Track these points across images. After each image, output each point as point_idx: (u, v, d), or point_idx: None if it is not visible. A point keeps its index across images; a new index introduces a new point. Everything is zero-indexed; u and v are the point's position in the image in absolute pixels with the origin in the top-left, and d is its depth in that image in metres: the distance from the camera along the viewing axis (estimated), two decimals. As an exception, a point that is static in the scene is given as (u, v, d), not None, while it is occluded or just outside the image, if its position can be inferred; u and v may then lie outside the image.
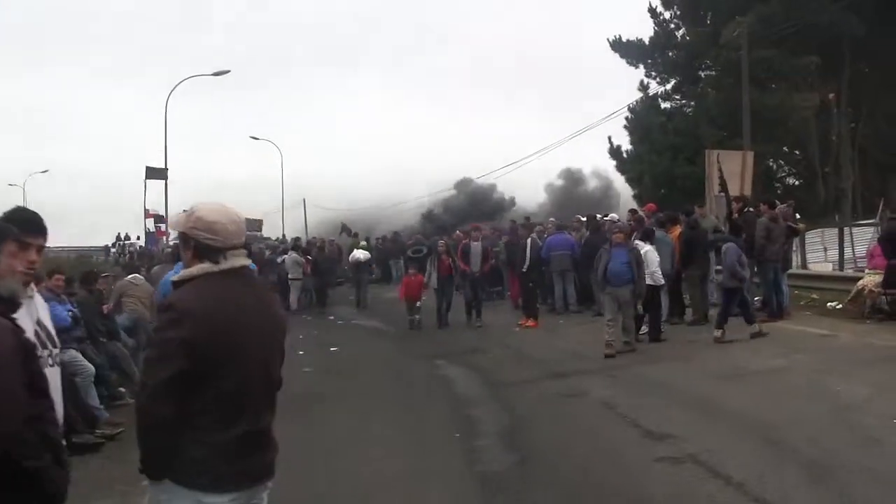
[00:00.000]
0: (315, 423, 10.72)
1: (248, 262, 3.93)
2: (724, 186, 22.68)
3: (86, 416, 10.15)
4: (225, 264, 3.76)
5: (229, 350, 3.65)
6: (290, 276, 25.98)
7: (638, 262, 13.87)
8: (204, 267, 3.75)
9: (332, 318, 24.91)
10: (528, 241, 19.39)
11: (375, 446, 9.24)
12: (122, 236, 56.16)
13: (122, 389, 13.04)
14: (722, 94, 35.12)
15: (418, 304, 20.24)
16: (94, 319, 12.41)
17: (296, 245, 29.36)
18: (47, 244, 4.33)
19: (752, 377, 11.39)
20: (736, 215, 17.56)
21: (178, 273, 4.03)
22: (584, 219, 22.38)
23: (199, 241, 3.78)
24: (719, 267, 18.59)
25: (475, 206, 50.54)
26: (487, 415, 10.39)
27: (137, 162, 44.07)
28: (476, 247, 20.06)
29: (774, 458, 7.60)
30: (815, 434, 8.18)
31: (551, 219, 24.82)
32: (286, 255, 27.12)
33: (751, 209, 17.49)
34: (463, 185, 54.98)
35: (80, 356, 11.01)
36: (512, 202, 52.87)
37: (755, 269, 16.48)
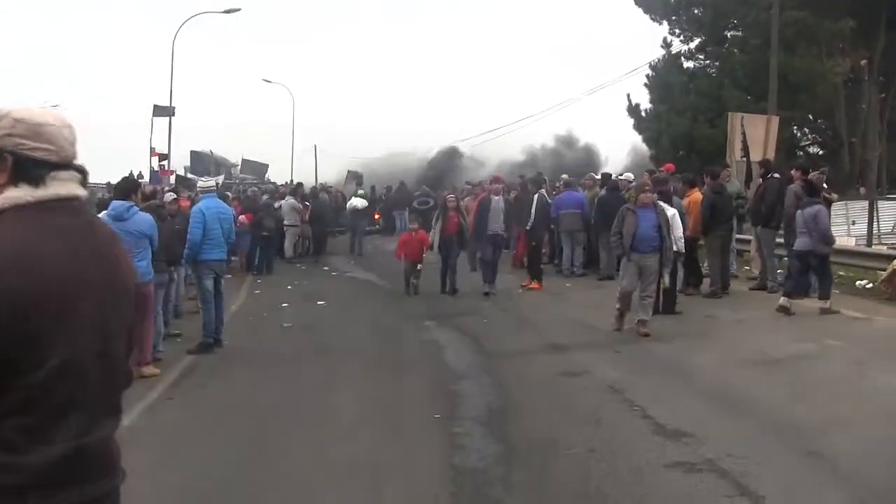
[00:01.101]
0: (274, 386, 9.60)
1: (82, 191, 2.55)
2: (746, 151, 21.55)
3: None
4: (48, 190, 2.40)
5: (51, 320, 2.28)
6: (286, 221, 24.62)
7: (667, 225, 12.23)
8: (16, 195, 2.39)
9: (326, 268, 23.65)
10: (536, 197, 17.98)
11: (337, 423, 8.01)
12: (137, 174, 54.90)
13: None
14: (748, 55, 33.65)
15: (419, 266, 17.61)
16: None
17: (295, 190, 27.92)
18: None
19: (781, 365, 10.02)
20: (759, 180, 16.21)
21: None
22: (599, 176, 20.98)
23: (20, 153, 2.41)
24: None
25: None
26: (474, 392, 9.05)
27: (147, 100, 42.83)
28: (497, 202, 17.33)
29: (812, 474, 6.29)
30: (862, 445, 6.81)
31: (563, 175, 23.40)
32: (283, 201, 25.74)
33: (775, 175, 16.05)
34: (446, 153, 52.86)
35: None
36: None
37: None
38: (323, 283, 20.24)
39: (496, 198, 17.32)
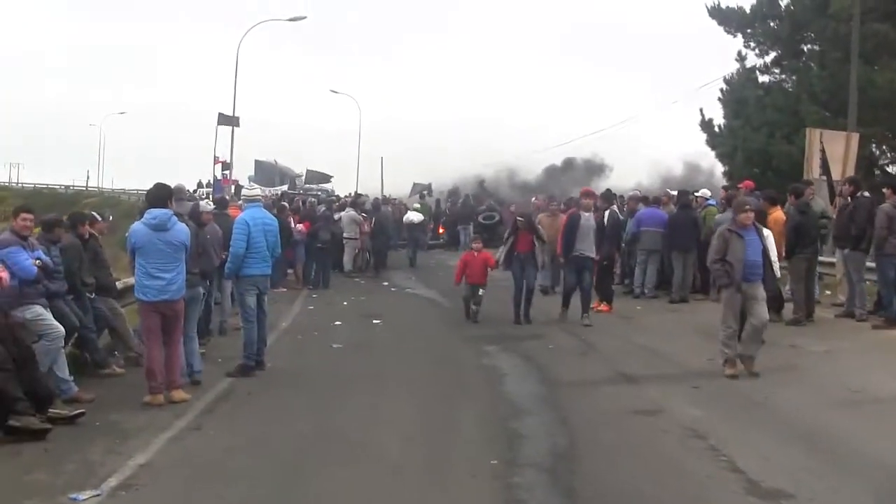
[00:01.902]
0: (313, 417, 8.76)
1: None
2: (825, 169, 20.40)
3: (39, 391, 8.09)
4: None
5: None
6: (345, 234, 23.83)
7: (770, 249, 10.86)
8: None
9: (385, 284, 22.79)
10: (607, 213, 16.95)
11: (378, 464, 7.07)
12: (205, 183, 54.77)
13: (116, 354, 11.20)
14: (826, 69, 32.15)
15: (480, 290, 15.47)
16: (80, 269, 10.39)
17: (355, 202, 27.11)
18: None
19: (886, 406, 8.88)
20: (848, 199, 14.95)
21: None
22: (675, 193, 19.84)
23: None
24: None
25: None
26: (537, 432, 8.05)
27: (215, 107, 43.10)
28: (588, 220, 14.99)
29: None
30: None
31: (635, 190, 22.29)
32: (343, 212, 24.97)
33: (865, 193, 14.82)
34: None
35: (46, 313, 9.02)
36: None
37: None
38: (381, 299, 19.38)
39: (586, 214, 15.08)
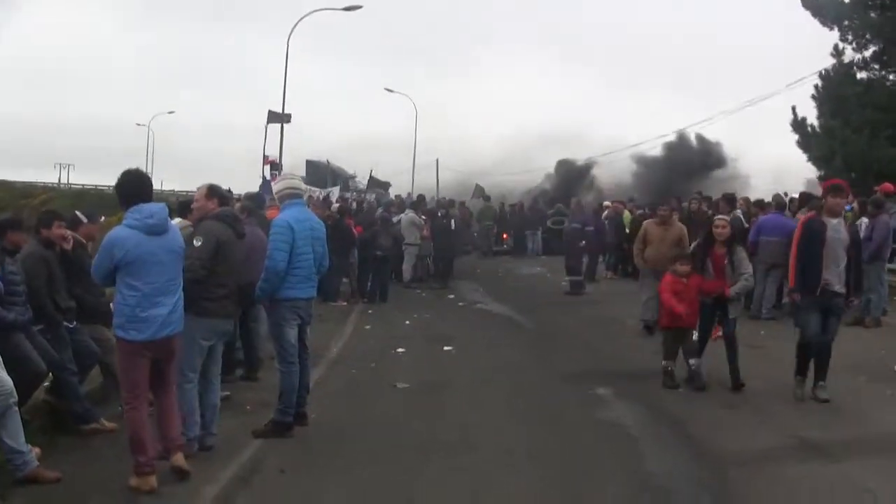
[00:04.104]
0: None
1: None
2: None
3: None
4: None
5: None
6: (405, 240, 20.97)
7: None
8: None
9: (451, 297, 19.79)
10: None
11: None
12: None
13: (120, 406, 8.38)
14: None
15: (695, 336, 10.21)
16: (51, 289, 7.60)
17: (416, 204, 24.22)
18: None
19: None
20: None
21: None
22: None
23: None
24: None
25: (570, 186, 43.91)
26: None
27: (266, 105, 40.96)
28: (837, 229, 9.31)
29: None
30: None
31: (776, 193, 19.06)
32: (403, 215, 22.11)
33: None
34: (561, 166, 48.57)
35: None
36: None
37: None
38: (449, 316, 16.44)
39: (834, 222, 9.34)
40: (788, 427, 8.03)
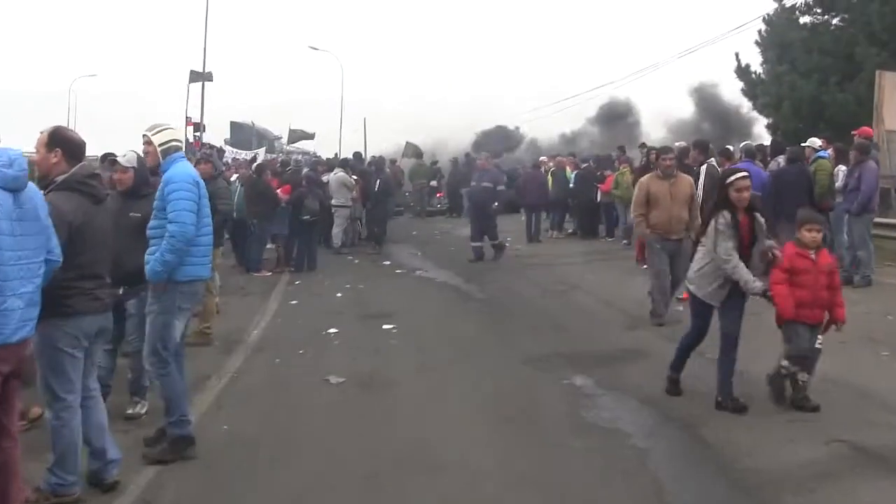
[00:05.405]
0: None
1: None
2: None
3: None
4: None
5: None
6: (334, 201, 19.00)
7: None
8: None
9: (387, 263, 17.94)
10: (704, 169, 12.27)
11: None
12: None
13: None
14: (889, 5, 27.85)
15: (819, 339, 7.13)
16: None
17: (346, 162, 22.17)
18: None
19: None
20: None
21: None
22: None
23: None
24: None
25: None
26: None
27: (186, 67, 38.36)
28: None
29: None
30: None
31: (747, 142, 17.50)
32: (332, 174, 20.11)
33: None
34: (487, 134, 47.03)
35: None
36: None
37: None
38: (386, 287, 14.57)
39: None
40: (825, 428, 6.36)
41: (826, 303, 6.94)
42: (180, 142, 6.44)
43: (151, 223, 6.12)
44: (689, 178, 11.13)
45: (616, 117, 42.62)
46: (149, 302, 6.12)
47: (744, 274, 6.76)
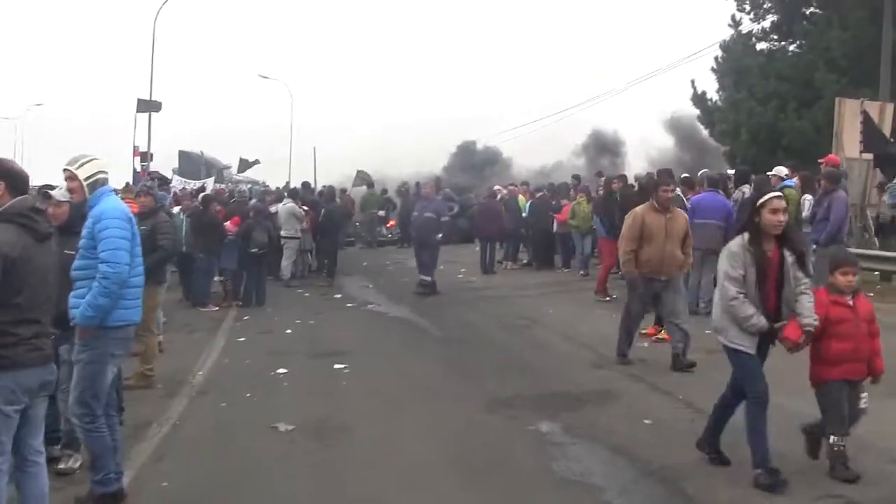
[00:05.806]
0: None
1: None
2: (876, 141, 17.19)
3: None
4: None
5: None
6: (283, 233, 18.43)
7: None
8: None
9: (338, 296, 17.37)
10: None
11: None
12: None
13: None
14: (849, 31, 28.19)
15: (863, 399, 6.22)
16: None
17: (295, 192, 21.51)
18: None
19: None
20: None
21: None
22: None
23: None
24: None
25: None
26: None
27: (134, 97, 37.61)
28: None
29: None
30: None
31: (704, 170, 17.20)
32: (280, 205, 19.55)
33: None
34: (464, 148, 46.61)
35: None
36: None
37: None
38: (337, 321, 14.04)
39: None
40: (817, 481, 5.91)
41: (868, 355, 6.08)
42: (106, 173, 5.88)
43: (77, 263, 5.59)
44: (685, 214, 10.60)
45: (603, 149, 42.41)
46: (77, 349, 5.57)
47: (746, 308, 5.74)
